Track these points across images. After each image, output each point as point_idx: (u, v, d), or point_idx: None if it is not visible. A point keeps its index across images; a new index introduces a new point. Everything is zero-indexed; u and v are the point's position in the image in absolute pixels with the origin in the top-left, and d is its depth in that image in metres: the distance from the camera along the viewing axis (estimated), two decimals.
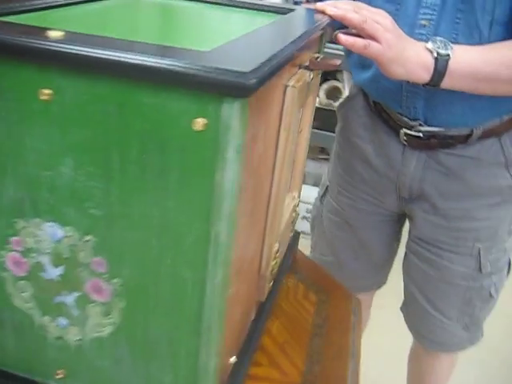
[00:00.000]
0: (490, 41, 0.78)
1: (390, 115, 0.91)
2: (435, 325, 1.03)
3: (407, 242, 1.05)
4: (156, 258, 0.44)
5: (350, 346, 0.73)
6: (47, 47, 0.39)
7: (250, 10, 0.75)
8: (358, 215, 1.05)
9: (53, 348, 0.52)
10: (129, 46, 0.40)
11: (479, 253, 0.94)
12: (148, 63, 0.37)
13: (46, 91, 0.41)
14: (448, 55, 0.73)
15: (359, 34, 0.71)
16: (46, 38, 0.40)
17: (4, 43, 0.40)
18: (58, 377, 0.54)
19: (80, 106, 0.41)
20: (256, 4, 0.76)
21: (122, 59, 0.38)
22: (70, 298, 0.49)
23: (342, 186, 1.05)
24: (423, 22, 0.83)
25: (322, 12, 0.71)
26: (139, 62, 0.37)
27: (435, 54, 0.73)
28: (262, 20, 0.68)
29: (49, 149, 0.43)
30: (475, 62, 0.74)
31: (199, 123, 0.38)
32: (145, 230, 0.44)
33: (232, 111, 0.37)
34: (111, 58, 0.38)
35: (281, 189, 0.58)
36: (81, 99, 0.41)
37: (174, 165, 0.41)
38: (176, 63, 0.37)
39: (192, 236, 0.43)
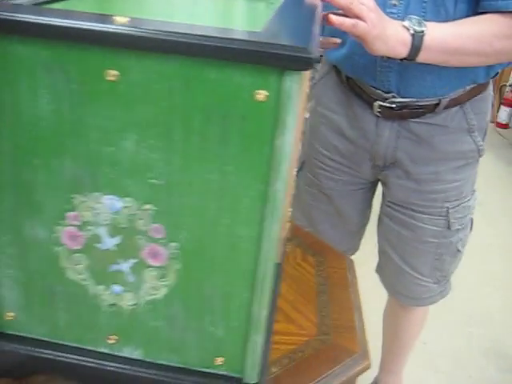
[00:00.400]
0: (455, 17, 0.87)
1: (364, 89, 0.99)
2: (410, 282, 1.13)
3: (381, 207, 1.14)
4: (213, 219, 0.49)
5: (352, 300, 0.81)
6: (115, 31, 0.43)
7: None
8: (334, 186, 1.13)
9: (106, 315, 0.56)
10: (191, 28, 0.44)
11: (448, 212, 1.05)
12: (215, 42, 0.42)
13: (113, 72, 0.45)
14: (423, 31, 0.81)
15: (346, 14, 0.77)
16: (114, 23, 0.43)
17: (73, 29, 0.43)
18: (110, 342, 0.57)
19: (146, 85, 0.45)
20: None
21: (190, 40, 0.42)
22: (125, 266, 0.53)
23: (320, 159, 1.12)
24: (394, 2, 0.90)
25: None
26: (207, 42, 0.42)
27: (412, 31, 0.81)
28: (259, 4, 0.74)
29: (112, 126, 0.47)
30: (446, 37, 0.83)
31: (261, 94, 0.44)
32: (204, 195, 0.49)
33: (293, 83, 0.43)
34: (180, 39, 0.42)
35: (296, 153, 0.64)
36: (147, 78, 0.45)
37: (234, 133, 0.46)
38: (241, 40, 0.42)
39: (249, 196, 0.48)
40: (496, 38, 0.84)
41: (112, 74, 0.45)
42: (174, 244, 0.51)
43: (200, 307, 0.54)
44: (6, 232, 0.54)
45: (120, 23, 0.43)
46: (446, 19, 0.87)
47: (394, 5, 0.91)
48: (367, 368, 0.70)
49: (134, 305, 0.55)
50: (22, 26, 0.44)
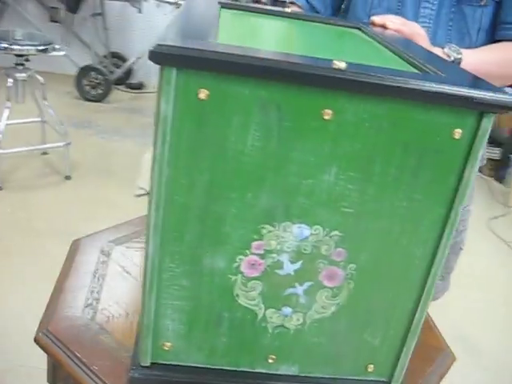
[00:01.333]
0: (476, 44, 0.99)
1: None
2: None
3: None
4: (394, 241, 0.55)
5: None
6: (335, 75, 0.47)
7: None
8: None
9: (270, 337, 0.59)
10: (400, 74, 0.49)
11: None
12: (423, 87, 0.48)
13: (329, 111, 0.49)
14: (460, 58, 0.92)
15: None
16: (333, 67, 0.47)
17: (294, 72, 0.47)
18: (269, 362, 0.60)
19: (356, 124, 0.49)
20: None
21: (402, 84, 0.48)
22: (301, 289, 0.57)
23: None
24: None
25: (383, 26, 0.86)
26: (416, 86, 0.48)
27: (452, 58, 0.91)
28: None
29: (315, 160, 0.51)
30: (477, 62, 0.95)
31: (458, 133, 0.50)
32: (389, 220, 0.54)
33: (489, 123, 0.50)
34: (392, 84, 0.47)
35: None
36: (358, 118, 0.49)
37: (427, 165, 0.51)
38: (445, 87, 0.48)
39: (430, 219, 0.54)
40: None
41: (327, 113, 0.49)
42: (352, 265, 0.56)
43: (364, 321, 0.59)
44: (184, 264, 0.55)
45: (339, 67, 0.47)
46: (469, 46, 0.99)
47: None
48: (452, 363, 0.78)
49: (300, 325, 0.59)
50: (243, 68, 0.46)
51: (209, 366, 0.60)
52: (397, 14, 1.02)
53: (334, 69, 0.47)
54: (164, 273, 0.55)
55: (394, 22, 0.87)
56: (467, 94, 0.48)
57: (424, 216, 0.54)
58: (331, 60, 0.48)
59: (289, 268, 0.56)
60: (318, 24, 0.85)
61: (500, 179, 3.36)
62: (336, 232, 0.54)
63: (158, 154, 0.50)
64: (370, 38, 0.78)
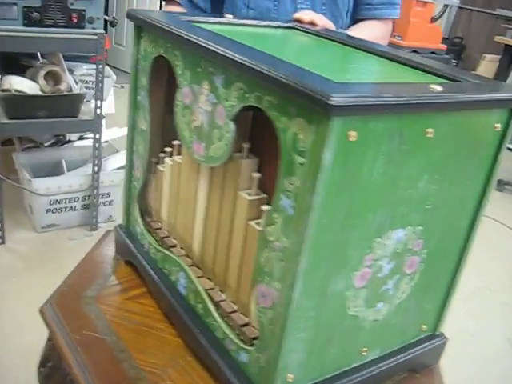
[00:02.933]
0: (347, 25, 1.14)
1: None
2: None
3: None
4: (451, 221, 0.66)
5: None
6: (437, 101, 0.54)
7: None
8: None
9: (365, 333, 0.65)
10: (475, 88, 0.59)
11: None
12: (483, 97, 0.59)
13: (430, 130, 0.55)
14: None
15: None
16: (431, 91, 0.54)
17: (412, 104, 0.52)
18: (362, 355, 0.67)
19: (445, 136, 0.57)
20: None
21: (478, 98, 0.57)
22: (391, 283, 0.64)
23: None
24: None
25: (299, 20, 0.93)
26: (483, 98, 0.58)
27: None
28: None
29: (416, 173, 0.57)
30: None
31: (498, 126, 0.62)
32: (450, 206, 0.64)
33: None
34: (476, 99, 0.57)
35: None
36: (448, 130, 0.57)
37: (476, 155, 0.63)
38: (495, 95, 0.60)
39: (473, 197, 0.66)
40: (379, 38, 1.15)
41: (430, 132, 0.55)
42: (425, 251, 0.65)
43: (426, 293, 0.69)
44: (314, 296, 0.56)
45: (437, 91, 0.54)
46: (341, 27, 1.13)
47: None
48: None
49: (387, 313, 0.66)
50: (385, 107, 0.50)
51: (319, 380, 0.64)
52: (275, 2, 1.09)
53: (432, 92, 0.54)
54: (298, 310, 0.56)
55: (307, 15, 0.94)
56: (504, 97, 0.60)
57: (470, 196, 0.66)
58: (427, 84, 0.55)
59: (386, 269, 0.62)
60: (262, 29, 0.86)
61: None
62: (420, 227, 0.62)
63: (314, 211, 0.50)
64: (319, 37, 0.84)
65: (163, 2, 1.21)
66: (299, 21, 0.93)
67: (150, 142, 0.79)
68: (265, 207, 0.61)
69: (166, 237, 0.82)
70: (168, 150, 0.80)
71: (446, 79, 0.66)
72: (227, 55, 0.57)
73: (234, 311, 0.68)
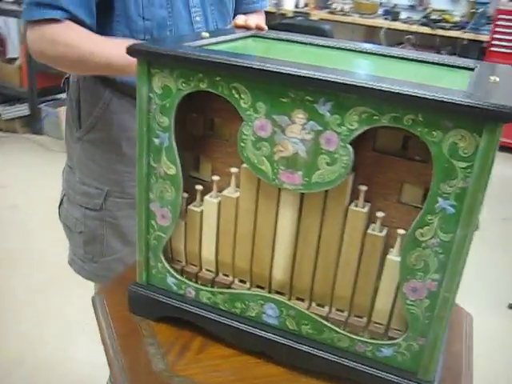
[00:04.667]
0: (231, 22, 1.17)
1: None
2: None
3: None
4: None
5: None
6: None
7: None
8: None
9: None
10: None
11: None
12: None
13: None
14: None
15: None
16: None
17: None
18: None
19: None
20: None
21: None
22: None
23: None
24: (198, 19, 1.10)
25: (244, 26, 0.95)
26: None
27: None
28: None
29: None
30: None
31: None
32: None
33: None
34: None
35: None
36: None
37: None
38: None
39: None
40: None
41: None
42: None
43: None
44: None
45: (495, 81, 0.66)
46: (230, 23, 1.16)
47: (198, 21, 1.10)
48: None
49: None
50: None
51: None
52: (166, 8, 1.05)
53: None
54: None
55: (240, 19, 0.97)
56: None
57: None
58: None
59: None
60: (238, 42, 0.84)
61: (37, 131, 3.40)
62: None
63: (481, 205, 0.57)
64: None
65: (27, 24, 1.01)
66: (244, 27, 0.93)
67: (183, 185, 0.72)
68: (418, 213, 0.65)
69: (215, 277, 0.77)
70: (199, 187, 0.75)
71: None
72: (337, 81, 0.58)
73: (346, 318, 0.71)
